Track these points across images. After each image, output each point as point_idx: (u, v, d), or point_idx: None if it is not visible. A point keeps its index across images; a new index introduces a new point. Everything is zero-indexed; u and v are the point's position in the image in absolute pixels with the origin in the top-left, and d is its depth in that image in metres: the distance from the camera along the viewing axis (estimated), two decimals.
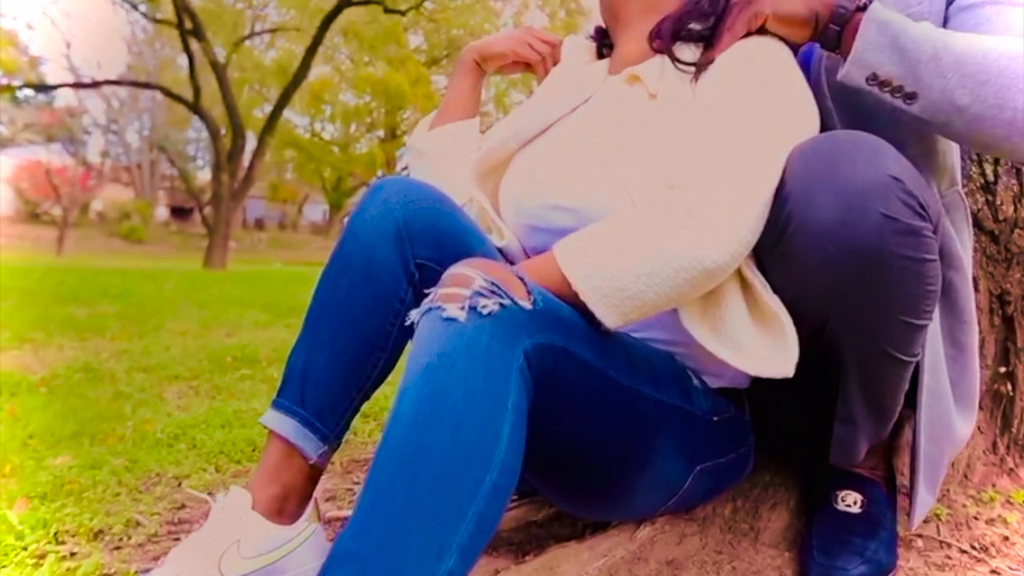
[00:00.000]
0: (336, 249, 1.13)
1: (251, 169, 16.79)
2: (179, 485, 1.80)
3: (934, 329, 1.16)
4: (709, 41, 1.12)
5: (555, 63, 1.33)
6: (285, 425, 1.10)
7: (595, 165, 1.10)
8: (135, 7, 17.49)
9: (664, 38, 1.15)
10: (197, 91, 16.42)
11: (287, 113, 24.32)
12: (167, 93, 18.07)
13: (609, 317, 0.94)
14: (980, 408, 1.58)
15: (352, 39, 23.10)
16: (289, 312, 5.91)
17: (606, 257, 0.94)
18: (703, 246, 0.93)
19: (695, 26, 1.14)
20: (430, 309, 0.85)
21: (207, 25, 17.32)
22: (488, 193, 1.28)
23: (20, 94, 21.82)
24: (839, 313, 0.98)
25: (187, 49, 16.23)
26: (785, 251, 0.96)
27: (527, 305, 0.86)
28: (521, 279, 0.89)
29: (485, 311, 0.82)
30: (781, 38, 1.10)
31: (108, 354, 3.80)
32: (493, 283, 0.85)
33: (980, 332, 1.64)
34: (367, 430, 2.34)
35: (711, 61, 1.08)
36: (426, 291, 0.90)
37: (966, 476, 1.56)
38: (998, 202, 1.58)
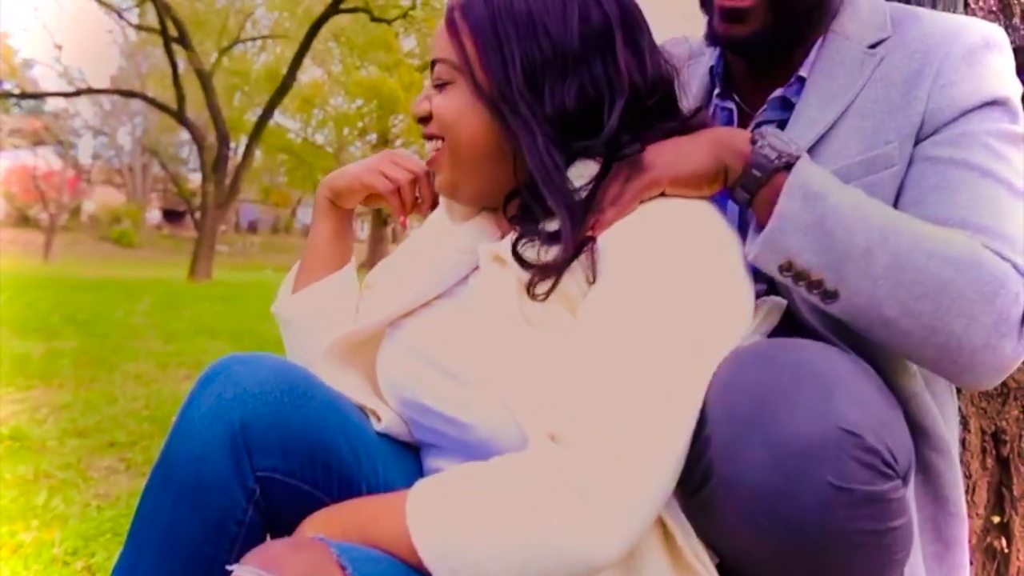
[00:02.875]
0: (161, 454, 0.90)
1: (236, 178, 16.52)
2: None
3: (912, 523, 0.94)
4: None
5: (416, 192, 1.09)
6: None
7: (473, 371, 0.87)
8: (119, 14, 17.21)
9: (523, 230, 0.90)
10: (181, 99, 16.13)
11: (280, 118, 24.13)
12: (151, 102, 17.76)
13: None
14: (970, 563, 1.36)
15: (343, 44, 22.86)
16: (258, 345, 5.68)
17: (469, 535, 0.71)
18: (593, 539, 0.69)
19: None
20: None
21: (195, 30, 17.08)
22: (367, 362, 1.05)
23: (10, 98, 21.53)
24: None
25: (171, 57, 15.94)
26: (707, 504, 0.74)
27: None
28: (342, 566, 0.66)
29: None
30: None
31: (47, 410, 3.57)
32: None
33: (971, 476, 1.42)
34: None
35: (591, 240, 0.84)
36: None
37: None
38: None
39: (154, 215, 39.70)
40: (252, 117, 21.64)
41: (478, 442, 0.88)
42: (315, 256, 1.11)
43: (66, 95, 19.06)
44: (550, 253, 0.85)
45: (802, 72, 1.00)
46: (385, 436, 1.01)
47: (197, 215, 19.58)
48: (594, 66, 0.90)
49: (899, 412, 0.77)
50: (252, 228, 39.59)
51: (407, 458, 1.02)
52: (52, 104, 27.86)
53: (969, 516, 1.18)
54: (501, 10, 0.91)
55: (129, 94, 19.23)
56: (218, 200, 16.01)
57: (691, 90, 1.12)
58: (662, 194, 0.84)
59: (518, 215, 0.92)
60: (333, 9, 15.53)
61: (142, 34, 20.00)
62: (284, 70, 17.01)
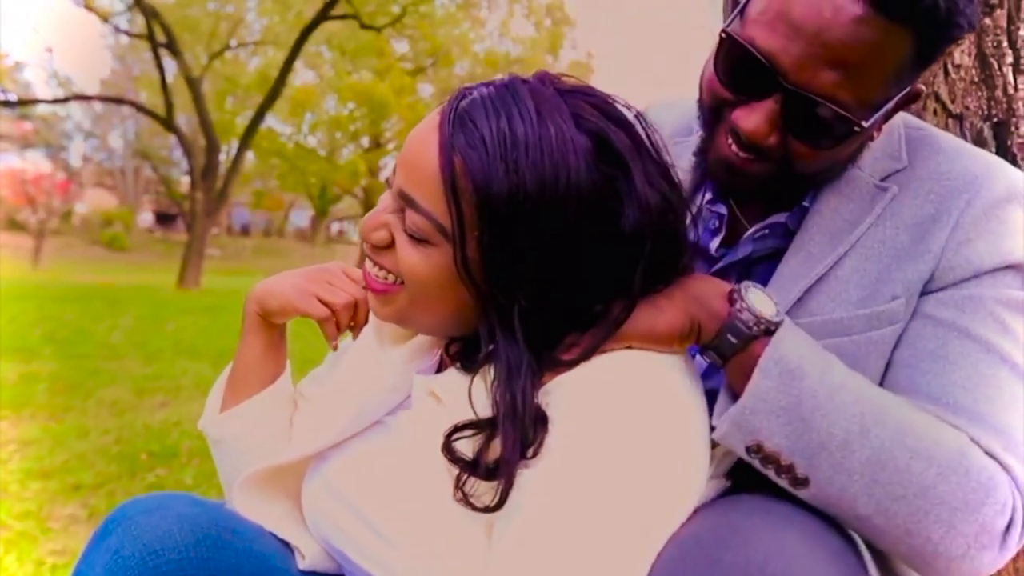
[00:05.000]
0: None
1: (227, 184, 16.41)
2: None
3: None
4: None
5: (351, 318, 0.99)
6: None
7: (401, 535, 0.80)
8: (107, 21, 17.06)
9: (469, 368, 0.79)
10: (170, 107, 16.01)
11: (273, 122, 24.05)
12: (140, 109, 17.62)
13: None
14: None
15: (335, 49, 22.78)
16: None
17: None
18: None
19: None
20: None
21: (185, 35, 16.98)
22: (295, 484, 0.96)
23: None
24: None
25: (159, 64, 15.83)
26: None
27: None
28: None
29: None
30: None
31: (14, 447, 3.48)
32: None
33: None
34: None
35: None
36: None
37: None
38: None
39: (146, 218, 39.55)
40: (244, 121, 21.57)
41: None
42: (245, 372, 1.01)
43: (55, 102, 18.95)
44: (490, 451, 0.74)
45: (805, 202, 0.90)
46: (312, 572, 0.93)
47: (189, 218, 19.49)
48: (611, 281, 0.75)
49: None
50: (245, 231, 39.52)
51: None
52: (42, 107, 27.73)
53: None
54: (527, 195, 0.71)
55: (119, 101, 19.03)
56: (207, 208, 15.90)
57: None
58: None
59: (460, 354, 0.83)
60: (323, 16, 15.44)
61: (133, 38, 19.90)
62: (276, 74, 16.91)
